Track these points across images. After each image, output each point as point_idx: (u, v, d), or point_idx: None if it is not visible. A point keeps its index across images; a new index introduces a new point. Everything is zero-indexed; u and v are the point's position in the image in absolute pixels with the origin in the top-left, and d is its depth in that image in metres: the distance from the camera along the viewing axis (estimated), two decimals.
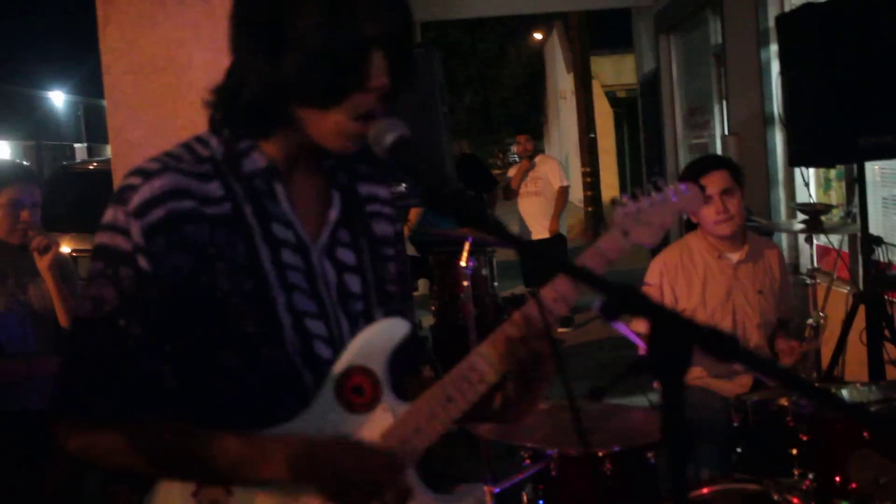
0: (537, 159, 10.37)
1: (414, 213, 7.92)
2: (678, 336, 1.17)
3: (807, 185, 7.22)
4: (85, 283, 1.76)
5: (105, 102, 4.38)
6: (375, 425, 1.81)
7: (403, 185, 4.99)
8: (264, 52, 1.69)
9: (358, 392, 1.81)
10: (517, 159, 10.73)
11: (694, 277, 4.24)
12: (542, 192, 10.16)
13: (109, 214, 1.73)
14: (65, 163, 17.88)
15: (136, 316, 1.71)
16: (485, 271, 6.62)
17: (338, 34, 1.65)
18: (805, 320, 5.75)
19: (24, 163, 4.32)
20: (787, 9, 7.80)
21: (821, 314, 5.73)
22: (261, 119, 1.76)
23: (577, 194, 21.53)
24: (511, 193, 10.34)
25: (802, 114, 4.92)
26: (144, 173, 1.73)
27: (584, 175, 20.18)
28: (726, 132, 9.78)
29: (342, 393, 1.80)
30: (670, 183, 2.05)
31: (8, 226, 3.82)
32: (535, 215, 10.15)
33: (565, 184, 10.33)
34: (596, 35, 20.91)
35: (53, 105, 34.37)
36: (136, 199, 1.70)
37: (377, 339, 1.84)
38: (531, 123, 25.81)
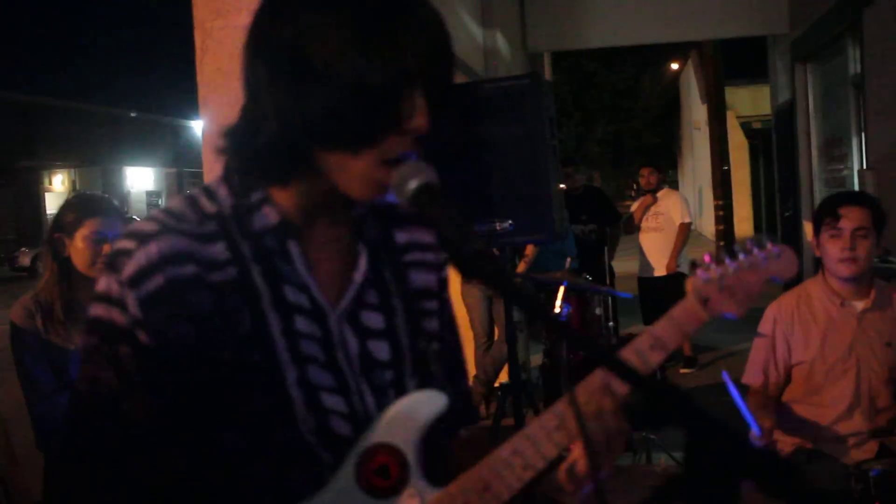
0: (660, 193, 9.98)
1: (531, 250, 7.70)
2: (725, 460, 0.93)
3: None
4: (82, 359, 1.56)
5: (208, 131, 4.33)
6: None
7: (510, 221, 4.82)
8: (285, 84, 1.48)
9: (382, 474, 1.58)
10: (640, 192, 10.39)
11: (812, 327, 3.88)
12: (664, 227, 9.79)
13: (103, 283, 1.52)
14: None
15: (139, 398, 1.51)
16: (598, 310, 6.34)
17: (374, 66, 1.43)
18: None
19: (107, 196, 4.28)
20: None
21: None
22: (278, 164, 1.54)
23: (709, 228, 20.96)
24: (632, 227, 10.01)
25: None
26: (139, 236, 1.52)
27: (717, 208, 19.62)
28: (864, 165, 9.30)
29: (363, 474, 1.57)
30: (763, 243, 1.80)
31: (89, 258, 3.77)
32: (655, 251, 9.79)
33: (687, 220, 9.94)
34: (731, 64, 20.40)
35: (195, 133, 35.48)
36: (131, 267, 1.50)
37: (408, 414, 1.61)
38: (664, 155, 25.34)
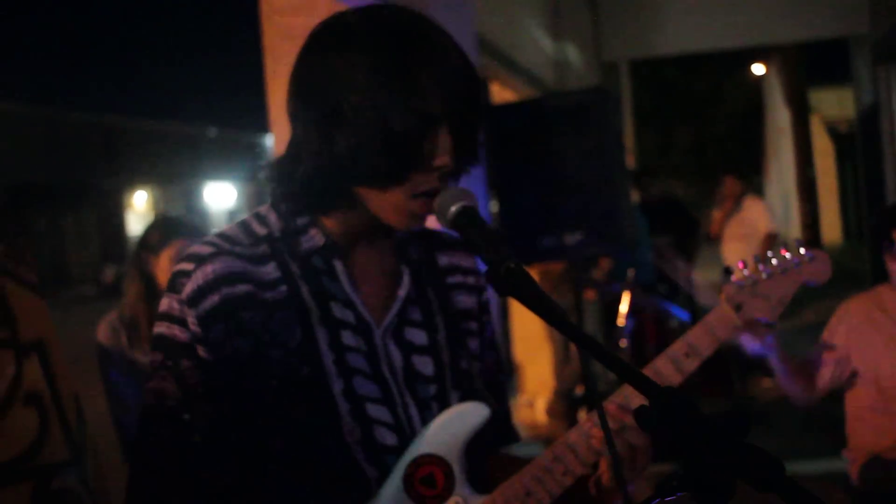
0: (745, 202, 9.85)
1: (605, 262, 7.69)
2: (720, 459, 0.97)
3: None
4: (148, 374, 1.69)
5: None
6: None
7: (579, 233, 4.85)
8: (317, 128, 1.59)
9: (429, 483, 1.66)
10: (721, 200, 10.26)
11: (883, 333, 3.80)
12: (749, 236, 9.64)
13: (165, 303, 1.66)
14: None
15: (199, 408, 1.63)
16: (675, 322, 6.32)
17: (397, 112, 1.53)
18: None
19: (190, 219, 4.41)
20: None
21: None
22: (317, 196, 1.65)
23: (794, 234, 20.65)
24: (712, 237, 9.90)
25: None
26: (197, 258, 1.65)
27: (803, 214, 19.34)
28: None
29: (411, 484, 1.65)
30: (796, 248, 1.82)
31: None
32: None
33: (773, 228, 9.79)
34: (815, 66, 20.13)
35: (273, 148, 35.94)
36: (190, 287, 1.63)
37: (452, 425, 1.70)
38: (748, 161, 25.00)
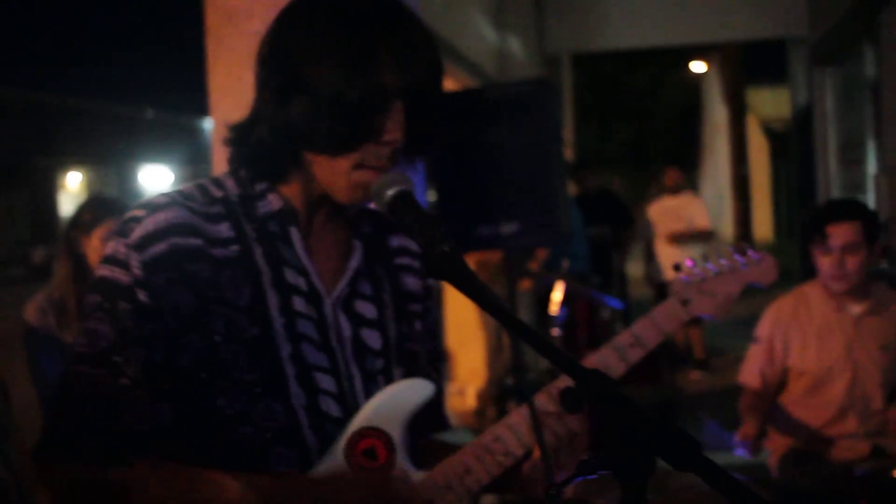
0: (683, 198, 9.98)
1: (541, 253, 7.76)
2: (641, 439, 1.01)
3: None
4: (83, 316, 1.68)
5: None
6: None
7: (516, 223, 4.88)
8: (275, 94, 1.64)
9: (370, 455, 1.69)
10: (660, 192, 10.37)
11: (809, 331, 3.93)
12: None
13: (111, 247, 1.67)
14: None
15: (132, 353, 1.62)
16: (606, 314, 6.40)
17: (353, 84, 1.58)
18: None
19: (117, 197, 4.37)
20: None
21: None
22: (271, 161, 1.69)
23: (727, 231, 20.95)
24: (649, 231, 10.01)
25: None
26: (150, 206, 1.67)
27: (736, 211, 19.62)
28: (879, 170, 9.30)
29: (352, 455, 1.68)
30: (744, 249, 1.89)
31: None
32: (674, 256, 9.78)
33: (708, 225, 9.93)
34: (754, 66, 20.36)
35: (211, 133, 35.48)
36: (139, 232, 1.64)
37: (397, 399, 1.73)
38: (685, 158, 25.30)
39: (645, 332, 1.80)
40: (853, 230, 3.77)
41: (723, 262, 1.87)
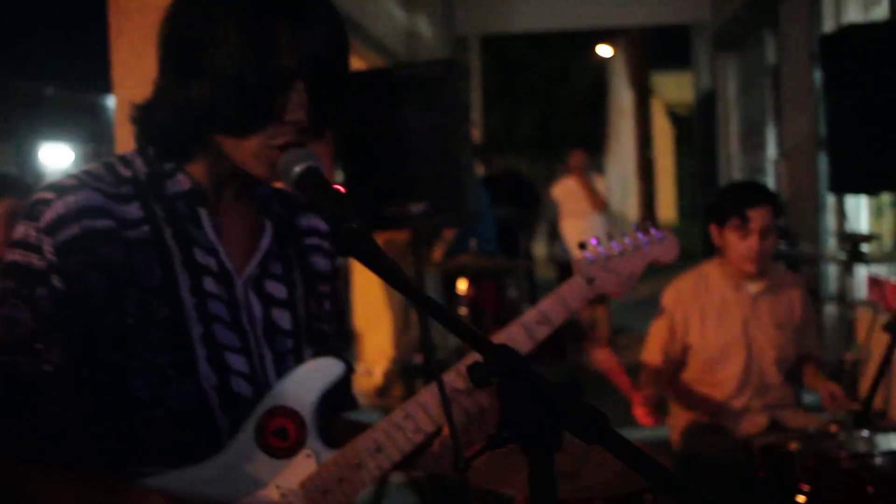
0: (590, 178, 10.09)
1: (449, 234, 7.78)
2: (548, 413, 1.03)
3: (843, 213, 6.98)
4: None
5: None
6: (296, 472, 1.70)
7: (424, 204, 4.89)
8: (176, 75, 1.62)
9: (280, 435, 1.70)
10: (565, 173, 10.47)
11: (708, 308, 4.04)
12: (587, 213, 9.92)
13: (21, 231, 1.63)
14: None
15: (53, 339, 1.60)
16: (514, 293, 6.46)
17: (252, 65, 1.57)
18: (844, 354, 5.54)
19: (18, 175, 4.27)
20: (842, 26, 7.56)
21: (861, 348, 5.51)
22: (175, 141, 1.67)
23: (632, 213, 21.26)
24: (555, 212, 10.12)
25: (845, 139, 4.73)
26: (59, 188, 1.64)
27: (641, 194, 19.92)
28: (778, 154, 9.54)
29: (263, 435, 1.69)
30: (647, 228, 1.93)
31: (2, 237, 3.76)
32: (577, 236, 9.88)
33: (605, 205, 10.08)
34: (659, 51, 20.66)
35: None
36: (49, 215, 1.61)
37: (307, 379, 1.74)
38: (590, 140, 25.56)
39: (552, 310, 1.83)
40: (769, 213, 3.90)
41: (626, 240, 1.91)
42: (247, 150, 1.62)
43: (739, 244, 3.91)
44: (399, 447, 1.72)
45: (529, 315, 1.84)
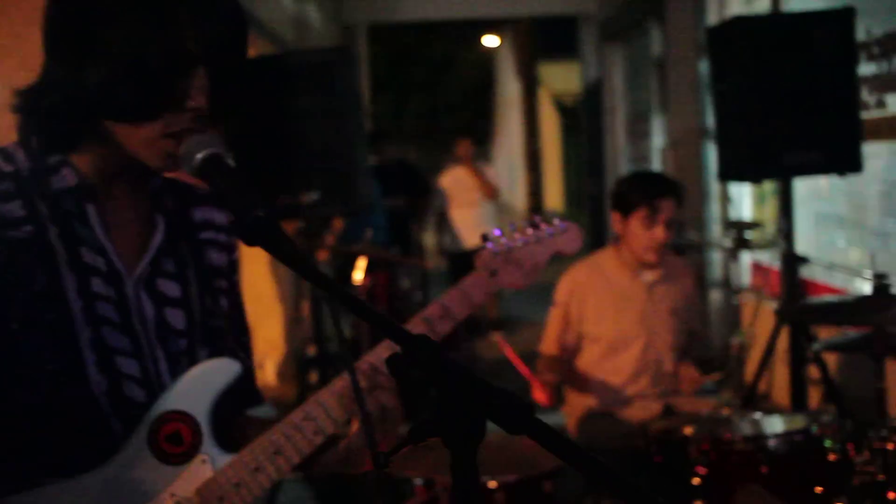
0: (475, 169, 10.11)
1: (338, 222, 7.72)
2: (472, 403, 1.00)
3: (729, 199, 7.14)
4: None
5: None
6: (191, 478, 1.63)
7: (316, 193, 4.82)
8: (68, 59, 1.53)
9: (174, 440, 1.63)
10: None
11: (605, 297, 4.07)
12: (477, 202, 9.93)
13: None
14: None
15: None
16: (406, 284, 6.43)
17: (152, 49, 1.48)
18: (730, 339, 5.66)
19: None
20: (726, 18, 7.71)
21: (746, 332, 5.65)
22: (64, 130, 1.57)
23: (520, 203, 21.42)
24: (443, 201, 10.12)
25: (731, 128, 4.81)
26: None
27: (529, 183, 20.08)
28: (665, 144, 9.70)
29: (156, 441, 1.61)
30: (551, 219, 1.91)
31: None
32: (467, 226, 9.89)
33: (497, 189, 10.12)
34: (546, 42, 20.83)
35: None
36: None
37: (201, 381, 1.67)
38: (479, 129, 25.71)
39: (455, 304, 1.80)
40: (675, 205, 3.95)
41: (529, 231, 1.88)
42: (141, 139, 1.54)
43: (644, 234, 3.94)
44: (299, 449, 1.67)
45: (431, 309, 1.80)
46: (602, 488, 3.55)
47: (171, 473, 1.62)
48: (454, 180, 9.97)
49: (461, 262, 9.72)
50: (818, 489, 3.00)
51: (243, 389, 1.80)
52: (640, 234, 3.96)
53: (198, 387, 1.66)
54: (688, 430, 3.27)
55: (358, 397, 1.41)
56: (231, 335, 1.80)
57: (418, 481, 3.08)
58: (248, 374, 1.82)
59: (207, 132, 1.56)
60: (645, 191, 4.00)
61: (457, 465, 1.04)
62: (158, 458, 1.61)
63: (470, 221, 9.88)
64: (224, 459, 1.66)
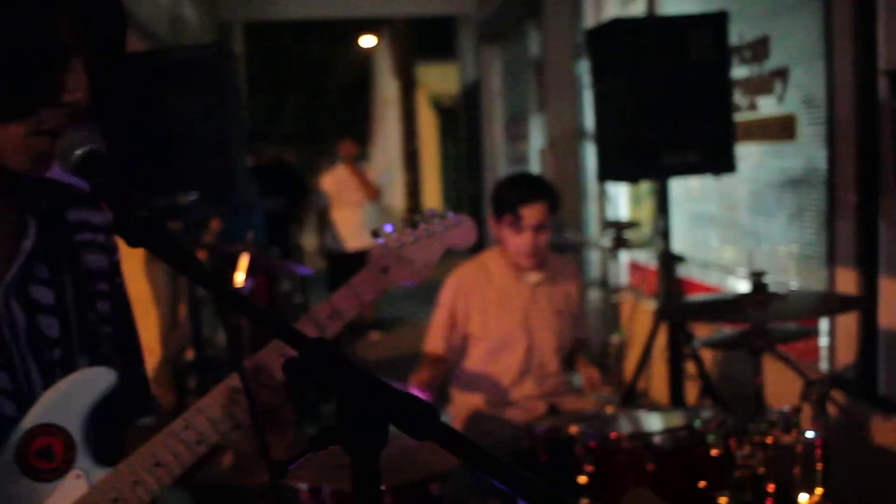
0: (357, 169, 10.05)
1: (216, 223, 7.56)
2: (374, 408, 0.96)
3: (609, 199, 7.24)
4: None
5: None
6: (65, 496, 1.53)
7: (194, 193, 4.70)
8: None
9: (45, 455, 1.52)
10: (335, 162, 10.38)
11: (489, 298, 4.07)
12: (359, 203, 9.88)
13: None
14: None
15: None
16: (286, 285, 6.34)
17: (27, 38, 1.38)
18: (609, 338, 5.74)
19: None
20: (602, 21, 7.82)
21: (625, 331, 5.74)
22: None
23: (399, 204, 21.42)
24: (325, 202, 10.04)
25: (610, 129, 4.86)
26: None
27: (407, 184, 20.09)
28: (543, 145, 9.79)
29: (25, 458, 1.50)
30: (444, 213, 1.86)
31: None
32: (348, 226, 9.83)
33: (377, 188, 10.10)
34: (423, 43, 20.85)
35: None
36: None
37: (74, 391, 1.56)
38: (357, 130, 25.64)
39: (344, 303, 1.73)
40: (543, 210, 3.93)
41: (422, 227, 1.84)
42: (8, 139, 1.44)
43: (513, 239, 3.96)
44: (181, 460, 1.58)
45: (320, 309, 1.74)
46: (498, 491, 3.56)
47: (42, 491, 1.52)
48: (336, 181, 9.89)
49: (342, 263, 9.66)
50: (702, 484, 3.05)
51: (133, 398, 1.71)
52: (510, 238, 3.97)
53: (70, 398, 1.56)
54: (573, 430, 3.28)
55: (250, 400, 1.35)
56: (116, 340, 1.71)
57: (303, 488, 3.01)
58: (137, 381, 1.73)
59: (85, 128, 1.47)
60: (511, 197, 3.98)
61: (358, 473, 0.99)
62: (28, 476, 1.51)
63: (351, 222, 9.82)
64: (100, 474, 1.57)
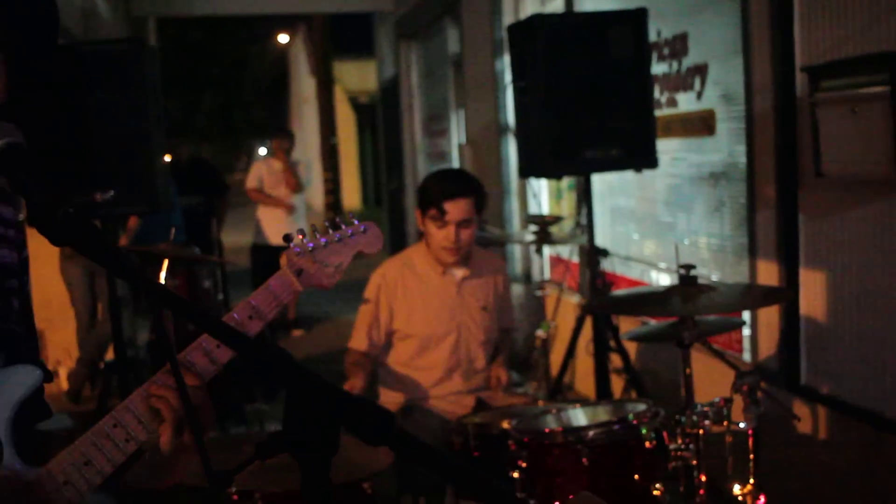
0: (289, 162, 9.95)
1: (134, 221, 7.43)
2: (324, 415, 0.93)
3: (535, 196, 7.27)
4: None
5: None
6: None
7: (112, 190, 4.59)
8: None
9: None
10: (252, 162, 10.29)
11: (415, 294, 4.05)
12: (288, 196, 9.78)
13: None
14: None
15: None
16: (207, 283, 6.25)
17: None
18: (535, 332, 5.76)
19: None
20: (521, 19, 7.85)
21: (550, 325, 5.76)
22: None
23: (318, 200, 21.32)
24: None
25: (531, 124, 4.87)
26: None
27: (326, 181, 20.00)
28: (463, 141, 9.80)
29: None
30: (351, 220, 1.90)
31: None
32: (272, 221, 9.71)
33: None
34: (340, 39, 20.77)
35: None
36: None
37: None
38: (274, 128, 25.53)
39: (262, 304, 1.75)
40: (468, 206, 3.91)
41: (332, 232, 1.88)
42: None
43: (437, 234, 3.94)
44: (110, 459, 1.55)
45: (240, 311, 1.74)
46: (428, 487, 3.55)
47: None
48: (261, 177, 9.78)
49: (264, 256, 9.55)
50: (637, 476, 3.06)
51: (35, 401, 1.66)
52: (434, 233, 3.95)
53: None
54: (506, 424, 3.27)
55: (184, 397, 1.31)
56: (23, 339, 1.65)
57: (234, 491, 2.96)
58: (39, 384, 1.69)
59: (3, 122, 1.42)
60: (436, 192, 3.96)
61: (308, 481, 0.96)
62: None
63: (277, 218, 9.70)
64: (29, 474, 1.53)
